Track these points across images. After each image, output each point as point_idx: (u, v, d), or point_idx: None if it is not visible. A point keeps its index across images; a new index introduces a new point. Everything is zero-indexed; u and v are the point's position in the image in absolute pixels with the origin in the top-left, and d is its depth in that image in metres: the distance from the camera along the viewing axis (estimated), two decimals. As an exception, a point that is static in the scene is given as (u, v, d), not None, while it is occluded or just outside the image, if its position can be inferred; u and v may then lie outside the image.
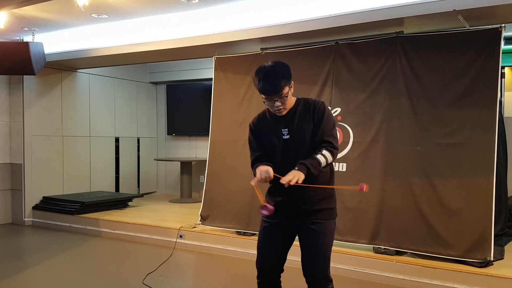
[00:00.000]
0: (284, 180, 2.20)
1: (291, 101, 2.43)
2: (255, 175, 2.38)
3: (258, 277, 2.56)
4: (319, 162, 2.29)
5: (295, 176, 2.20)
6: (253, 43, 5.00)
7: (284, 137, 2.42)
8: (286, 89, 2.33)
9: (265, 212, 2.30)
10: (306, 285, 2.48)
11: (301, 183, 2.20)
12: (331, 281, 2.45)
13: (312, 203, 2.40)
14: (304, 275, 2.45)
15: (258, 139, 2.52)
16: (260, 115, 2.56)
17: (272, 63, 2.38)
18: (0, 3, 4.29)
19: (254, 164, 2.47)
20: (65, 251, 5.16)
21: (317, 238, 2.41)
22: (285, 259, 2.55)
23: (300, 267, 2.47)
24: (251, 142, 2.56)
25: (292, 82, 2.39)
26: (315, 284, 2.43)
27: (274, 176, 2.30)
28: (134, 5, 4.58)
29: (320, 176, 2.38)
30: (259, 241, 2.56)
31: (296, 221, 2.44)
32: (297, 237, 2.53)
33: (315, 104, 2.42)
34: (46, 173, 6.83)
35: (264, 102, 2.40)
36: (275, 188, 2.46)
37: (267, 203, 2.39)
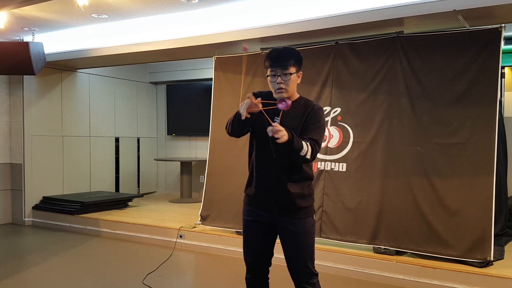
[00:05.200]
0: (275, 124, 2.11)
1: (294, 91, 2.41)
2: (236, 118, 2.28)
3: (247, 273, 2.58)
4: (301, 144, 2.22)
5: (283, 132, 2.10)
6: (253, 43, 5.00)
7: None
8: (293, 69, 2.32)
9: (282, 106, 2.16)
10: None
11: (278, 146, 2.14)
12: (316, 275, 2.46)
13: (289, 199, 2.38)
14: (289, 271, 2.47)
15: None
16: (266, 92, 2.46)
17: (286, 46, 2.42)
18: (0, 3, 4.30)
19: None
20: (65, 251, 5.16)
21: (298, 238, 2.41)
22: (270, 254, 2.55)
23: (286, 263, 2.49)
24: None
25: (301, 72, 2.39)
26: (300, 280, 2.43)
27: (253, 164, 2.25)
28: (134, 5, 4.58)
29: (303, 171, 2.39)
30: (243, 238, 2.58)
31: (275, 218, 2.43)
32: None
33: (314, 107, 2.40)
34: (46, 173, 6.83)
35: (267, 76, 2.36)
36: (252, 180, 2.47)
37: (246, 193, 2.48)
